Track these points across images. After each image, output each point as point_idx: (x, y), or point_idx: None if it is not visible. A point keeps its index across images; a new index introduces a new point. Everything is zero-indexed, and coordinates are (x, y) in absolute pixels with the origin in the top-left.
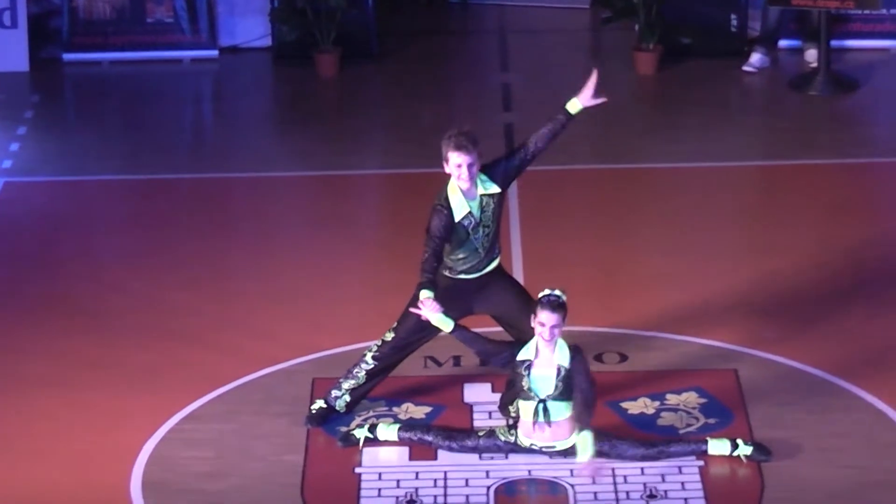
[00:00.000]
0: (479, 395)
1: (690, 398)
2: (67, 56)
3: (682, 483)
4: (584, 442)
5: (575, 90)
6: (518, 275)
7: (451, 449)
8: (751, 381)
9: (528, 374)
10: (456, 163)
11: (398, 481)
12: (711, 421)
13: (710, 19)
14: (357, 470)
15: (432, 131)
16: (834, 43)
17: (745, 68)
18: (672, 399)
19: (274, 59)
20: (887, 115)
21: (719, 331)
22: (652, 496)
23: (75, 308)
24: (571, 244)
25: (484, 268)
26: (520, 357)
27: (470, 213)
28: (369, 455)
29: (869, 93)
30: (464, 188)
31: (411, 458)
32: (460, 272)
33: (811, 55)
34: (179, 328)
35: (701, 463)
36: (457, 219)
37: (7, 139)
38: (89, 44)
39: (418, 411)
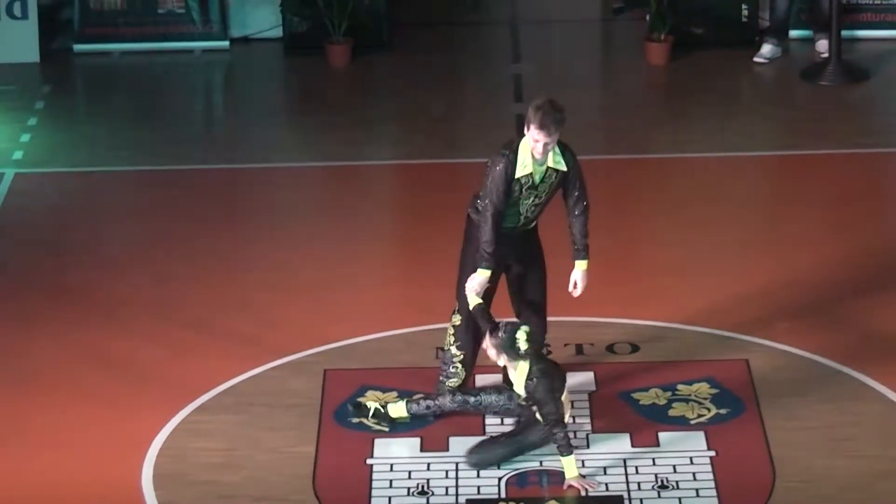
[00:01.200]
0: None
1: (702, 388)
2: (78, 47)
3: (694, 474)
4: (568, 464)
5: (587, 80)
6: None
7: (464, 406)
8: (762, 371)
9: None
10: (535, 137)
11: (410, 472)
12: (723, 411)
13: (721, 9)
14: (369, 461)
15: (444, 122)
16: (845, 33)
17: (757, 59)
18: (683, 389)
19: (285, 50)
20: None
21: (731, 321)
22: (664, 486)
23: (87, 300)
24: None
25: (522, 228)
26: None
27: (531, 175)
28: (381, 446)
29: (880, 82)
30: (538, 159)
31: (423, 448)
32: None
33: (822, 45)
34: (191, 320)
35: (713, 453)
36: (518, 174)
37: (18, 130)
38: (100, 35)
39: None
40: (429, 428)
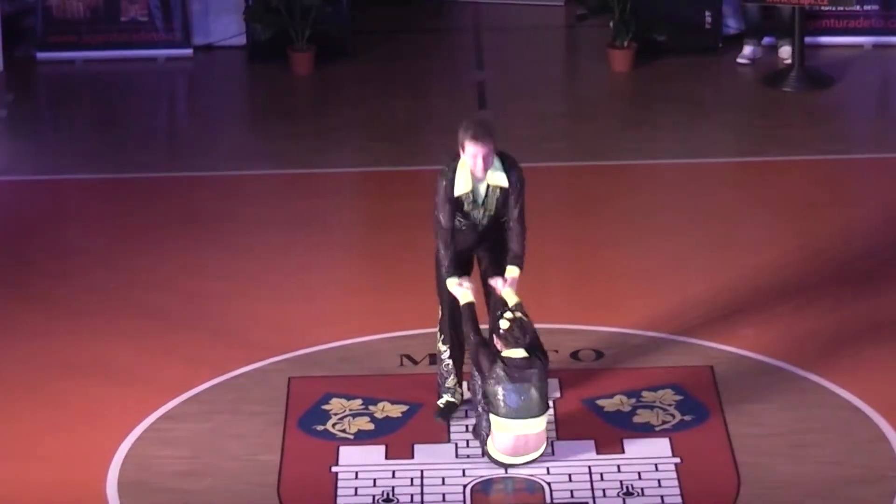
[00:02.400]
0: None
1: (666, 395)
2: (41, 55)
3: (659, 480)
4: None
5: (549, 87)
6: None
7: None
8: (726, 377)
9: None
10: (472, 153)
11: (375, 480)
12: (687, 418)
13: (684, 16)
14: (334, 469)
15: (407, 129)
16: (808, 39)
17: (740, 60)
18: (648, 396)
19: (248, 58)
20: (861, 111)
21: (695, 327)
22: (629, 493)
23: (50, 308)
24: (547, 241)
25: (484, 228)
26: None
27: (472, 192)
28: (346, 454)
29: (843, 89)
30: (478, 176)
31: (388, 456)
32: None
33: (785, 52)
34: (154, 328)
35: (677, 460)
36: (456, 193)
37: None
38: (63, 42)
39: (395, 409)
40: (392, 435)
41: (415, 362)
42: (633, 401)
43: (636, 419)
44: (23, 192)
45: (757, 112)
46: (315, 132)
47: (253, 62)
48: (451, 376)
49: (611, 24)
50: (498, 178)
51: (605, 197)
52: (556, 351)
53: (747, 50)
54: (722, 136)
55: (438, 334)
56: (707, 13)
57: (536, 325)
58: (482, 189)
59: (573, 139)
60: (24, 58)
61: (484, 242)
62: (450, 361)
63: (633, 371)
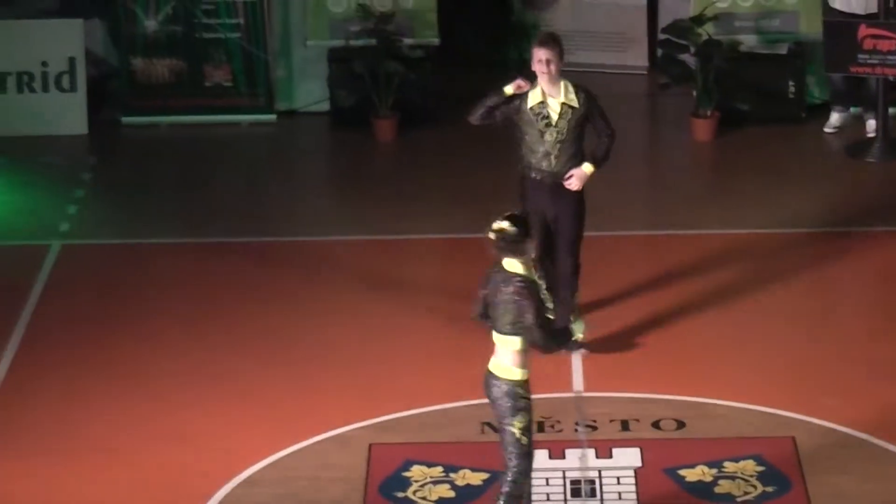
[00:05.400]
0: (537, 461)
1: (748, 466)
2: (126, 119)
3: None
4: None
5: (633, 155)
6: None
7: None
8: (809, 448)
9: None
10: (538, 58)
11: None
12: (769, 489)
13: (767, 85)
14: None
15: (489, 197)
16: (893, 110)
17: (827, 129)
18: (730, 467)
19: (332, 124)
20: None
21: (777, 397)
22: None
23: (131, 371)
24: (629, 310)
25: (553, 176)
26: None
27: (543, 103)
28: None
29: None
30: (544, 83)
31: None
32: (533, 168)
33: (871, 125)
34: (236, 392)
35: None
36: (528, 104)
37: (65, 202)
38: (148, 107)
39: (476, 477)
40: (473, 503)
41: (496, 430)
42: (714, 471)
43: (718, 490)
44: (105, 255)
45: (841, 182)
46: (397, 198)
47: (336, 128)
48: (549, 303)
49: (694, 93)
50: (569, 98)
51: (687, 266)
52: (638, 420)
53: (834, 118)
54: (805, 206)
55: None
56: (791, 82)
57: (617, 395)
58: (554, 105)
59: (655, 208)
60: (109, 121)
61: (553, 203)
62: (546, 292)
63: (714, 441)
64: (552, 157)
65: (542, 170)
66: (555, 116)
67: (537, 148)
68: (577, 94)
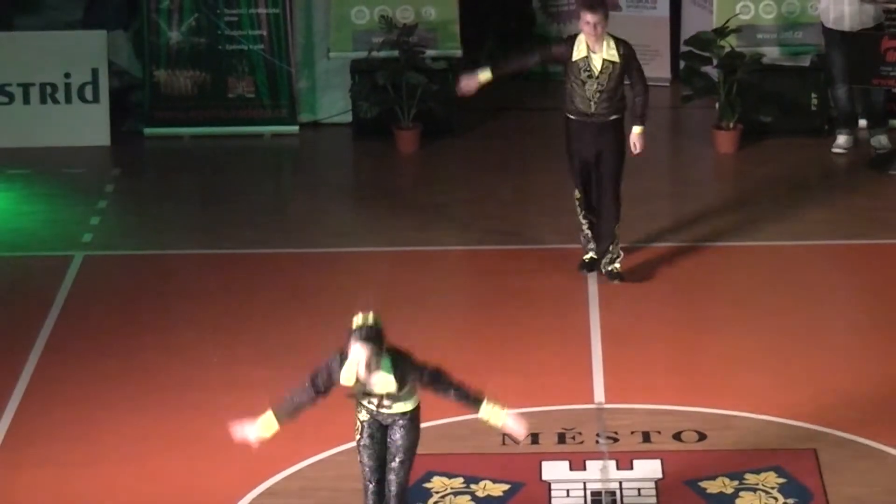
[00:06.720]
0: (557, 472)
1: (769, 478)
2: (149, 130)
3: None
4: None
5: (654, 167)
6: (597, 352)
7: None
8: (831, 460)
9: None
10: (585, 20)
11: None
12: (790, 501)
13: (790, 98)
14: None
15: (512, 208)
16: (893, 122)
17: (834, 150)
18: (751, 479)
19: (354, 135)
20: None
21: (798, 410)
22: None
23: (153, 381)
24: (650, 322)
25: (595, 118)
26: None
27: (586, 58)
28: None
29: None
30: (591, 41)
31: None
32: (576, 111)
33: (877, 141)
34: (256, 403)
35: None
36: (574, 57)
37: (88, 213)
38: (170, 118)
39: (496, 489)
40: None
41: (516, 441)
42: (735, 483)
43: (739, 501)
44: (128, 266)
45: (863, 195)
46: (419, 210)
47: (358, 140)
48: (590, 242)
49: (716, 105)
50: (610, 54)
51: (709, 278)
52: (660, 432)
53: (841, 139)
54: (827, 218)
55: (578, 209)
56: (813, 95)
57: (639, 406)
58: (596, 61)
59: (678, 220)
60: (132, 132)
61: (595, 142)
62: (588, 231)
63: (735, 453)
64: (592, 103)
65: (583, 112)
66: (596, 71)
67: (581, 94)
68: (617, 48)
